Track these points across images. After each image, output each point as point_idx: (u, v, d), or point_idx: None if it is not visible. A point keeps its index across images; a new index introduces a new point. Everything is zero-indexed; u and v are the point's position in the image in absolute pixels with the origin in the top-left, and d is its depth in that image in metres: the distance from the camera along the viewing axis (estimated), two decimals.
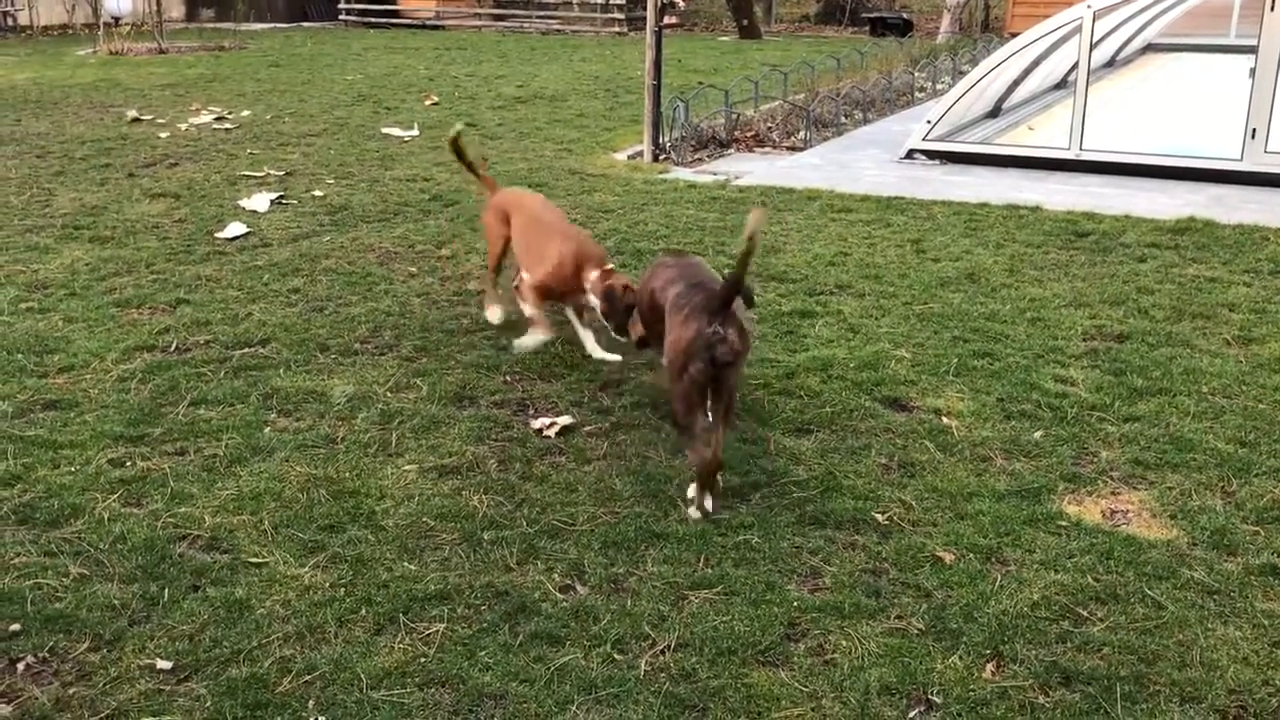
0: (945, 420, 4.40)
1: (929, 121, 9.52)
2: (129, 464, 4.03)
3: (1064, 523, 3.66)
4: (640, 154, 9.82)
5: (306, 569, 3.38)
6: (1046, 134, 10.16)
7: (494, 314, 5.42)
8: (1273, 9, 8.24)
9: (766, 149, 10.36)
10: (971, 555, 3.47)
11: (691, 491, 3.72)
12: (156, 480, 3.90)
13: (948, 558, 3.45)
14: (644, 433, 4.31)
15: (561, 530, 3.62)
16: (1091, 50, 9.18)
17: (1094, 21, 8.97)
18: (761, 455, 4.10)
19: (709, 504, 3.70)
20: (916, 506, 3.76)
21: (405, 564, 3.41)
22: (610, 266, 4.81)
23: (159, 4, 19.50)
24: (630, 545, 3.53)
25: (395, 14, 25.25)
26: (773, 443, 4.20)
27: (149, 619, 3.13)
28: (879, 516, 3.70)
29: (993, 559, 3.46)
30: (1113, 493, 3.86)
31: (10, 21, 21.76)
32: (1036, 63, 10.56)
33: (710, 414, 3.75)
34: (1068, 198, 7.94)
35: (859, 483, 3.91)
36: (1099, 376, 4.79)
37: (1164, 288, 5.92)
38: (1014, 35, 19.08)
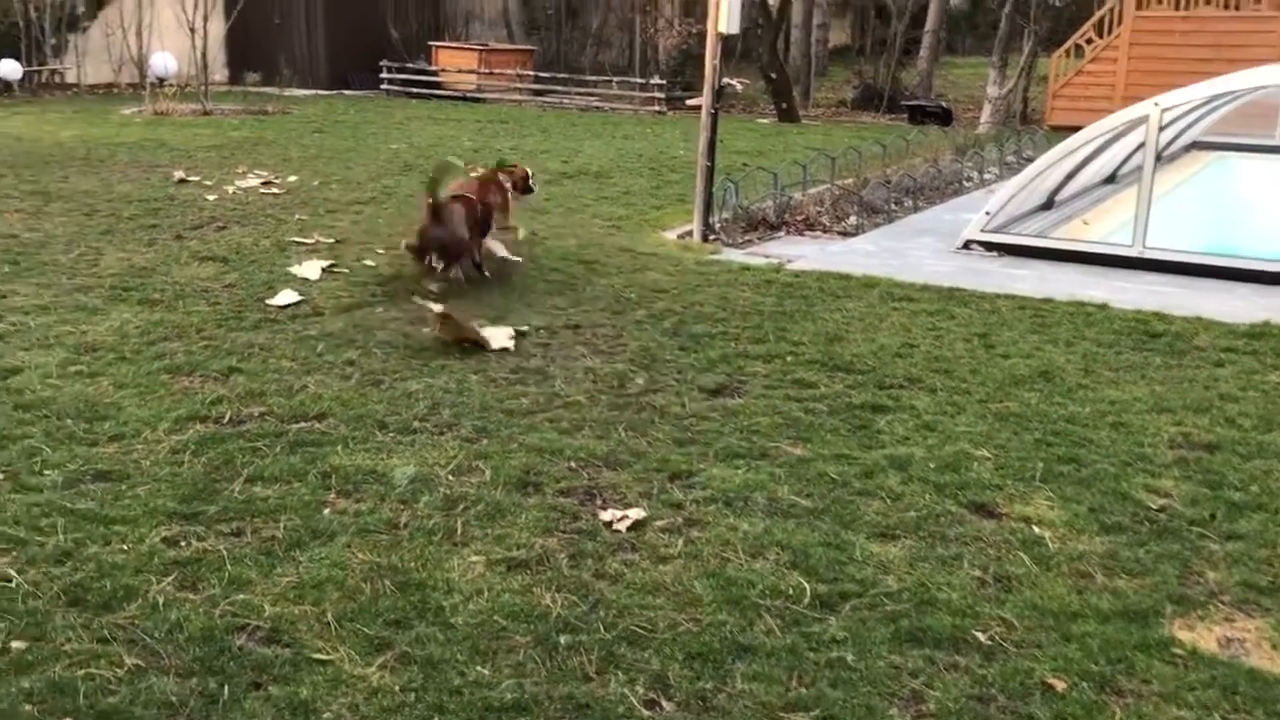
0: (1038, 530, 4.17)
1: (988, 212, 9.38)
2: (183, 543, 3.84)
3: (1179, 650, 3.41)
4: (690, 233, 9.70)
5: (373, 669, 3.17)
6: (1101, 229, 10.00)
7: None
8: None
9: (817, 233, 10.24)
10: (1084, 684, 3.22)
11: None
12: (213, 563, 3.71)
13: (1059, 685, 3.21)
14: (720, 530, 4.10)
15: (641, 637, 3.40)
16: (1158, 148, 9.06)
17: (1161, 118, 8.86)
18: (847, 561, 3.88)
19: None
20: (1018, 625, 3.53)
21: (478, 668, 3.19)
22: None
23: (205, 66, 19.74)
24: (716, 657, 3.30)
25: (437, 85, 25.49)
26: (858, 548, 3.98)
27: (208, 718, 2.92)
28: (980, 635, 3.46)
29: (1107, 688, 3.21)
30: (1226, 619, 3.61)
31: (58, 79, 22.07)
32: (1092, 156, 10.45)
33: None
34: (1133, 296, 7.75)
35: (954, 596, 3.68)
36: (1193, 489, 4.56)
37: (1248, 395, 5.70)
38: (1054, 127, 19.12)
